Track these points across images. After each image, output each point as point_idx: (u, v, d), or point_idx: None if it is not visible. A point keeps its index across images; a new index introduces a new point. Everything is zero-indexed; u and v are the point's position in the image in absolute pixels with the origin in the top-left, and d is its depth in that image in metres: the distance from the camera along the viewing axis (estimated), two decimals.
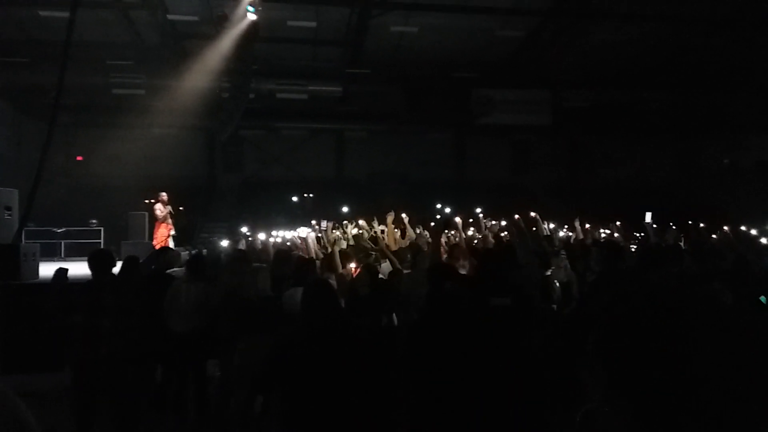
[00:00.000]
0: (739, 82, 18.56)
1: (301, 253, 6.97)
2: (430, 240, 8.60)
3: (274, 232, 12.19)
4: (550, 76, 19.96)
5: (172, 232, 13.03)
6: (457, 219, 7.67)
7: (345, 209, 15.57)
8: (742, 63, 17.87)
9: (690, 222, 11.85)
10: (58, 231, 15.09)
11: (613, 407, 2.74)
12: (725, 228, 9.16)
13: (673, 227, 10.42)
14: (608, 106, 20.78)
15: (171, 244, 12.89)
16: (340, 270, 5.42)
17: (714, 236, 9.62)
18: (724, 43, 17.44)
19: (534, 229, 8.14)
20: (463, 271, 5.04)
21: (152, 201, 12.92)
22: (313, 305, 3.54)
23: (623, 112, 20.76)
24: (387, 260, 6.16)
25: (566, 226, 10.76)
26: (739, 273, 4.74)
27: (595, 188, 21.38)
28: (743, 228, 10.85)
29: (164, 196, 12.85)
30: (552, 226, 9.02)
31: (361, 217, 11.79)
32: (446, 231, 7.64)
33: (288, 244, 9.68)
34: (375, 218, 9.70)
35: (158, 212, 12.70)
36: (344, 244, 7.22)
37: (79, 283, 4.69)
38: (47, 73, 12.70)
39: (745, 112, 19.55)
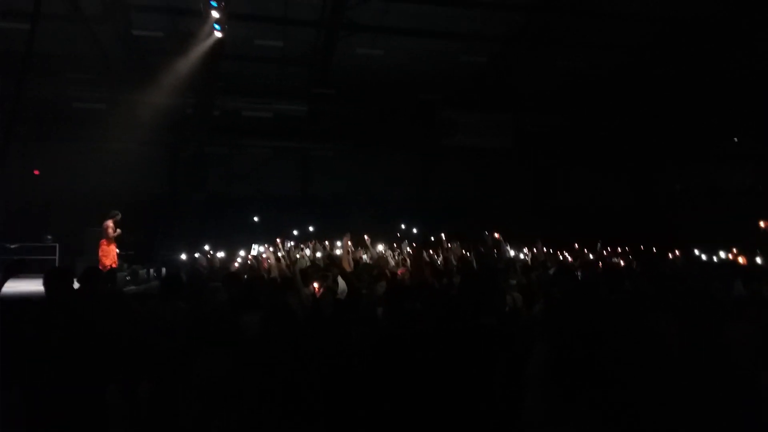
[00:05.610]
0: (692, 110, 19.31)
1: (262, 273, 6.94)
2: (394, 259, 8.69)
3: (241, 252, 11.99)
4: (512, 100, 20.42)
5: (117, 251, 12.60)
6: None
7: (311, 228, 15.55)
8: (696, 92, 18.62)
9: (642, 246, 12.22)
10: (12, 247, 14.62)
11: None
12: (676, 252, 9.50)
13: (627, 250, 10.75)
14: (567, 131, 21.31)
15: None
16: (303, 289, 5.42)
17: (670, 257, 9.94)
18: (677, 73, 18.20)
19: (496, 250, 8.30)
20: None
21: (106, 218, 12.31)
22: (273, 331, 3.56)
23: (582, 137, 21.31)
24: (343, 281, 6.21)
25: (525, 249, 10.97)
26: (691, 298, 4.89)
27: (555, 211, 21.78)
28: (696, 252, 11.25)
29: (119, 216, 12.37)
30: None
31: (325, 237, 11.82)
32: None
33: (249, 262, 9.61)
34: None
35: (110, 231, 12.10)
36: (305, 264, 7.24)
37: (31, 299, 4.58)
38: (6, 85, 12.38)
39: (697, 140, 20.32)
